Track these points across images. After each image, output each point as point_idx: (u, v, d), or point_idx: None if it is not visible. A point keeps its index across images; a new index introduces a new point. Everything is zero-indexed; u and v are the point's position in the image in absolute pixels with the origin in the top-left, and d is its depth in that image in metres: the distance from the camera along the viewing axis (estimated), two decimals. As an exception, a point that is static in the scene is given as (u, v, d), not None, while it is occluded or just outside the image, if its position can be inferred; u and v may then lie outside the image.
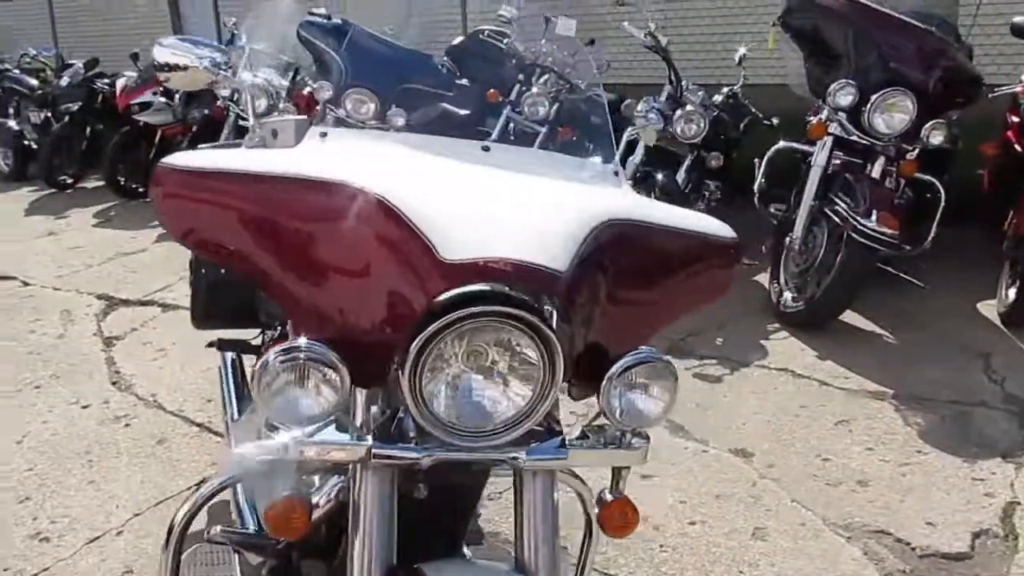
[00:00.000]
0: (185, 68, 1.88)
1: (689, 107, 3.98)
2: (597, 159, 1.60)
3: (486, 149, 1.48)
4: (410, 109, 4.04)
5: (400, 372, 1.07)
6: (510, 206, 1.27)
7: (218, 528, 1.48)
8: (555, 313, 1.11)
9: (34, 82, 7.48)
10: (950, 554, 2.23)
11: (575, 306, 1.19)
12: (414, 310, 1.11)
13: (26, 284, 4.68)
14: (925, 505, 2.43)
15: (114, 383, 3.35)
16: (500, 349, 1.15)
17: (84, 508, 2.50)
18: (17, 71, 7.81)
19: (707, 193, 4.57)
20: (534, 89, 4.58)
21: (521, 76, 4.72)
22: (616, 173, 1.55)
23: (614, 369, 1.21)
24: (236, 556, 1.63)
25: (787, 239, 3.69)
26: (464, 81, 2.10)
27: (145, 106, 6.23)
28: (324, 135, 1.45)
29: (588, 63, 4.86)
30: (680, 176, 4.09)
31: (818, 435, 2.82)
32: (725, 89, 4.49)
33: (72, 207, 6.57)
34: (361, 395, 1.31)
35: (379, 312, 1.16)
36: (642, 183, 4.03)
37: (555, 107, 4.68)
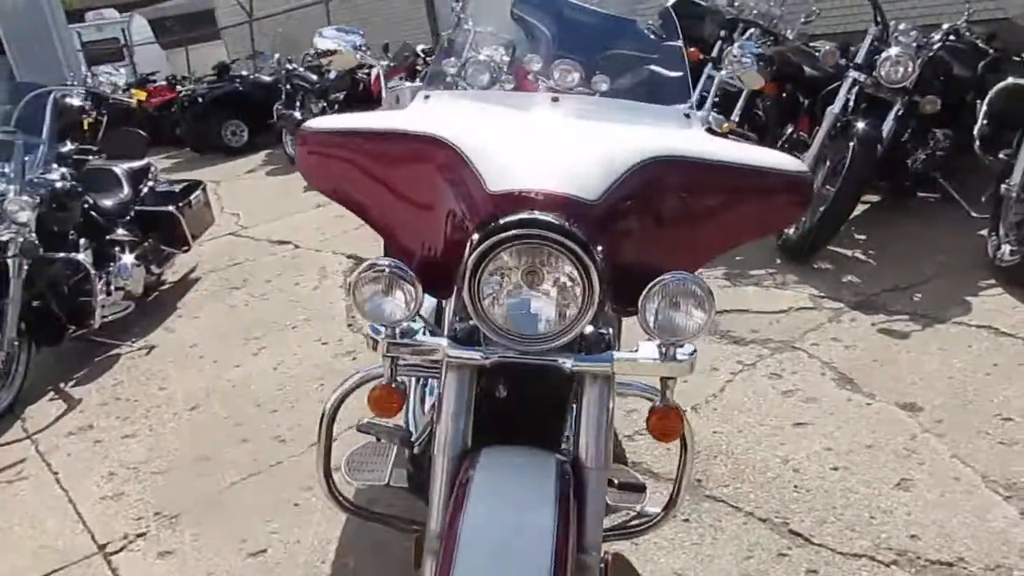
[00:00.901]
0: (334, 52, 2.25)
1: (895, 49, 3.73)
2: (676, 105, 1.73)
3: (555, 100, 1.68)
4: (613, 75, 4.33)
5: (460, 285, 1.34)
6: (558, 147, 1.47)
7: (364, 419, 1.85)
8: (586, 236, 1.30)
9: (314, 77, 8.68)
10: None
11: (607, 231, 1.37)
12: (467, 233, 1.37)
13: (296, 247, 5.56)
14: (1115, 473, 2.22)
15: (349, 325, 3.96)
16: (548, 269, 1.37)
17: (313, 421, 3.07)
18: (302, 69, 9.08)
19: (932, 142, 4.23)
20: (735, 46, 4.53)
21: (723, 33, 4.68)
22: (687, 115, 1.67)
23: (649, 287, 1.36)
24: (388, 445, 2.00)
25: (1004, 186, 3.37)
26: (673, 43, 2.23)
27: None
28: (427, 97, 1.74)
29: (794, 14, 4.71)
30: (887, 124, 3.84)
31: (1006, 395, 2.63)
32: (945, 26, 4.10)
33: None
34: (449, 310, 1.59)
35: (444, 234, 1.45)
36: (842, 133, 3.87)
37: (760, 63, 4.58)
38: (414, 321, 1.46)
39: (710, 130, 1.94)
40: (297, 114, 8.62)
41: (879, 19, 3.97)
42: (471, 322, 1.44)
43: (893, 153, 4.05)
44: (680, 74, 1.92)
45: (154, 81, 12.95)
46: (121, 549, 2.44)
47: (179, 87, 11.70)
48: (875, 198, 4.65)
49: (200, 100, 10.00)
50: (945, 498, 2.19)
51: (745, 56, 2.07)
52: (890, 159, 4.05)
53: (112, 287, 4.02)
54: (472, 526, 1.21)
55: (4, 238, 3.36)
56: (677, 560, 2.09)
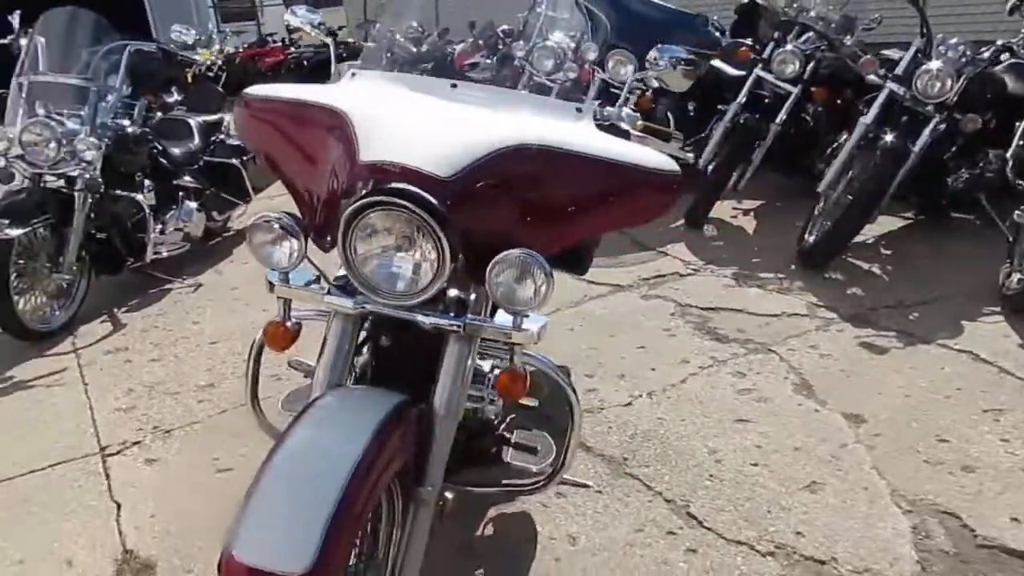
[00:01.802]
0: (299, 29, 2.47)
1: (936, 63, 3.64)
2: (571, 102, 1.86)
3: (454, 86, 1.84)
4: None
5: (337, 241, 1.55)
6: (434, 127, 1.65)
7: (294, 358, 2.09)
8: (436, 208, 1.48)
9: (413, 48, 9.06)
10: (1016, 551, 2.04)
11: (461, 206, 1.54)
12: (339, 196, 1.58)
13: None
14: (1024, 502, 2.22)
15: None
16: (415, 237, 1.56)
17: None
18: (401, 40, 9.46)
19: (981, 162, 4.11)
20: (787, 47, 4.50)
21: (776, 34, 4.66)
22: (579, 110, 1.81)
23: (494, 260, 1.53)
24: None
25: (1017, 213, 3.28)
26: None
27: (474, 66, 7.22)
28: (353, 75, 1.95)
29: (854, 19, 4.62)
30: (921, 140, 3.76)
31: (954, 418, 2.63)
32: (999, 43, 3.96)
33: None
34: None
35: (329, 194, 1.66)
36: (871, 145, 3.83)
37: (810, 66, 4.55)
38: (300, 270, 1.69)
39: (612, 127, 2.03)
40: (639, 73, 8.98)
41: (924, 31, 3.88)
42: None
43: (930, 169, 3.97)
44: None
45: (273, 42, 13.67)
46: (117, 453, 2.80)
47: (292, 49, 12.33)
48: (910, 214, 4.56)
49: (304, 64, 10.54)
50: (845, 504, 2.25)
51: (661, 59, 2.16)
52: (926, 175, 3.98)
53: (171, 228, 4.44)
54: (283, 447, 1.41)
55: (72, 173, 3.79)
56: (575, 525, 2.25)
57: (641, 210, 1.81)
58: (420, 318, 1.63)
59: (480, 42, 7.88)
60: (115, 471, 2.70)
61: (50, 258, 3.83)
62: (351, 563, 1.53)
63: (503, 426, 2.23)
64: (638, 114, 2.10)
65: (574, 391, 2.00)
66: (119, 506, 2.47)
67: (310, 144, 1.74)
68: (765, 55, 4.59)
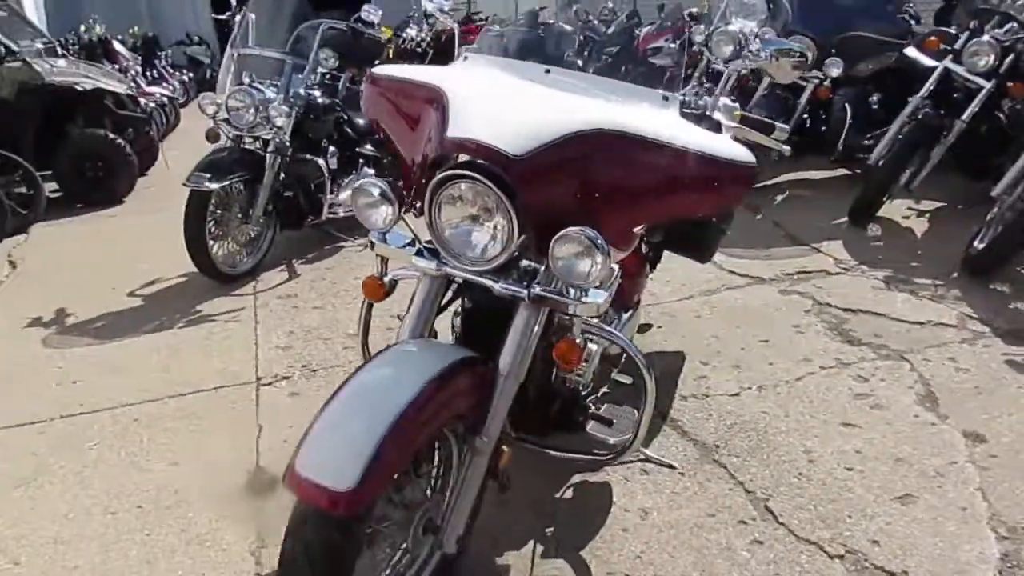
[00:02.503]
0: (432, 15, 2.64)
1: (985, 37, 3.30)
2: (656, 89, 1.91)
3: (548, 71, 1.95)
4: (851, 58, 4.57)
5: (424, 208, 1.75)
6: (518, 109, 1.77)
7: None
8: (503, 182, 1.63)
9: (603, 29, 9.15)
10: None
11: (531, 183, 1.67)
12: (428, 167, 1.76)
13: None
14: None
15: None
16: (484, 206, 1.71)
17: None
18: (596, 21, 9.56)
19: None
20: (983, 37, 4.15)
21: (973, 24, 4.30)
22: (666, 98, 1.87)
23: (556, 236, 1.66)
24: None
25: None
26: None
27: (656, 51, 7.19)
28: (465, 58, 2.11)
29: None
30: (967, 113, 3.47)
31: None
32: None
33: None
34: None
35: (419, 165, 1.84)
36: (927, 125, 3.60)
37: (1009, 59, 4.17)
38: (398, 232, 1.90)
39: (703, 117, 2.03)
40: (579, 61, 9.10)
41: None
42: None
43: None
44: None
45: (480, 19, 14.21)
46: (269, 384, 3.19)
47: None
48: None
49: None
50: (936, 520, 2.16)
51: (763, 51, 2.13)
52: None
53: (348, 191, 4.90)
54: (352, 380, 1.62)
55: (266, 137, 4.29)
56: (651, 500, 2.32)
57: (711, 199, 1.85)
58: (491, 283, 1.78)
59: (668, 24, 7.82)
60: (264, 399, 3.09)
61: (242, 211, 4.35)
62: (404, 495, 1.72)
63: (591, 398, 2.34)
64: (736, 104, 2.10)
65: (649, 371, 2.08)
66: (260, 428, 2.84)
67: (413, 118, 1.94)
68: (957, 46, 4.25)
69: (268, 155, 4.29)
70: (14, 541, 2.29)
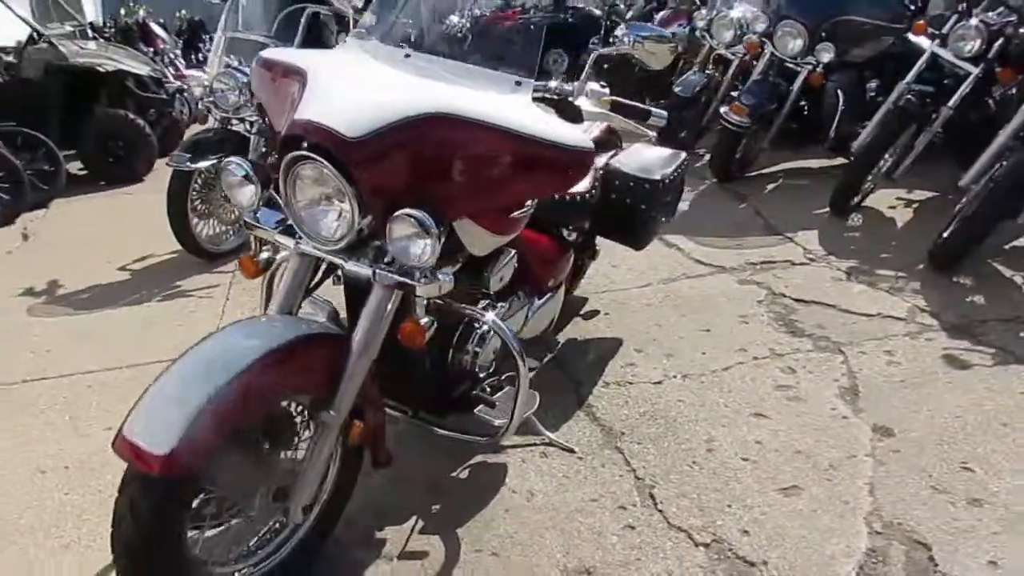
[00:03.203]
0: None
1: (972, 21, 3.16)
2: (511, 75, 1.91)
3: (407, 56, 1.97)
4: (844, 43, 4.54)
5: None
6: (364, 92, 1.81)
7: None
8: (338, 162, 1.67)
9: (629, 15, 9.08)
10: None
11: (362, 164, 1.70)
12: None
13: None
14: None
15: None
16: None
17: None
18: (623, 6, 9.47)
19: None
20: (972, 20, 4.00)
21: (961, 6, 4.15)
22: (519, 83, 1.88)
23: (391, 217, 1.71)
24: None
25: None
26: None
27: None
28: (345, 42, 2.15)
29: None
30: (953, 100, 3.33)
31: (996, 447, 2.37)
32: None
33: (615, 119, 7.94)
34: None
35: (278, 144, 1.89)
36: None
37: (998, 43, 4.01)
38: (265, 211, 1.97)
39: (563, 102, 2.02)
40: (600, 49, 9.03)
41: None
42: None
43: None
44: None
45: (515, 5, 14.17)
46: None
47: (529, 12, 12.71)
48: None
49: (530, 27, 10.87)
50: (813, 514, 2.15)
51: (627, 36, 2.11)
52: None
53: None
54: (193, 349, 1.69)
55: (251, 118, 4.40)
56: (541, 483, 2.36)
57: (547, 183, 1.87)
58: (340, 262, 1.84)
59: (683, 8, 7.71)
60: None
61: (226, 190, 4.49)
62: (245, 461, 1.80)
63: (490, 380, 2.38)
64: (606, 90, 2.09)
65: (522, 356, 2.12)
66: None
67: (281, 99, 1.99)
68: (944, 30, 4.10)
69: (252, 136, 4.40)
70: (-59, 495, 2.46)
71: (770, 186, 5.17)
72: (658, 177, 2.89)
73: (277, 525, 1.99)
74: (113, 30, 9.59)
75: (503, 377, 2.47)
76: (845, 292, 3.47)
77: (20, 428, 2.81)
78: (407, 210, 1.69)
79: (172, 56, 9.97)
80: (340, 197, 1.76)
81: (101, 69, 6.61)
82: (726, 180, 5.25)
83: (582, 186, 2.65)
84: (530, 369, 2.58)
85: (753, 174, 5.39)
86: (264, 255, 2.07)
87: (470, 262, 2.18)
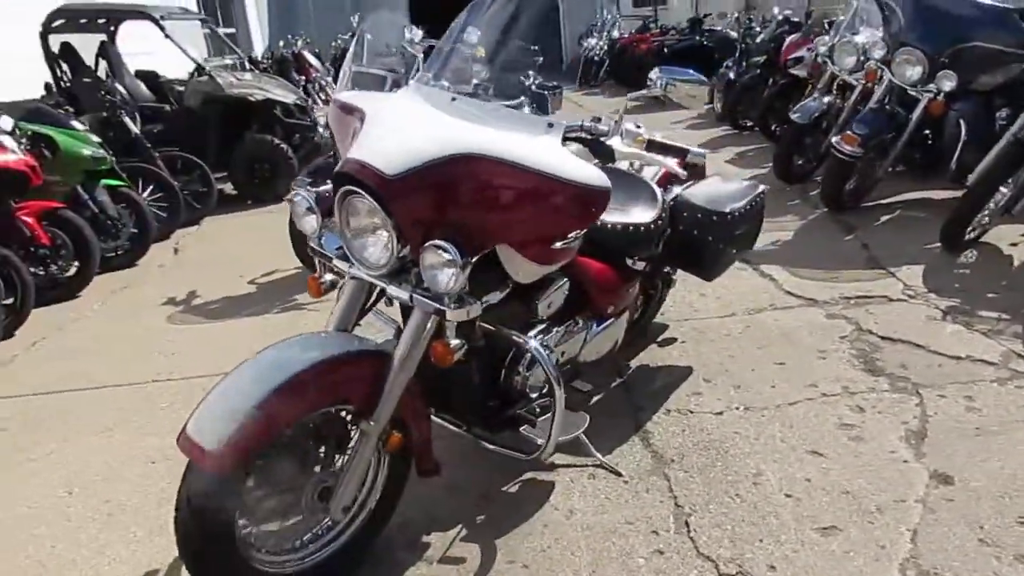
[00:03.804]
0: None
1: None
2: (544, 117, 2.04)
3: (453, 99, 2.13)
4: (968, 71, 4.62)
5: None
6: (407, 133, 2.00)
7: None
8: (381, 198, 1.88)
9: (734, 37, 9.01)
10: None
11: (399, 199, 1.89)
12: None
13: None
14: None
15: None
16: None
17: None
18: (757, 28, 9.36)
19: None
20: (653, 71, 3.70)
21: None
22: (551, 125, 2.00)
23: (423, 247, 1.89)
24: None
25: None
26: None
27: (798, 60, 6.95)
28: (402, 87, 2.35)
29: None
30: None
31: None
32: None
33: (743, 144, 7.82)
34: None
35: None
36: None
37: None
38: (322, 238, 2.20)
39: (595, 142, 2.10)
40: (731, 74, 8.96)
41: None
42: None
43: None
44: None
45: (657, 28, 14.24)
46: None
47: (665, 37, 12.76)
48: None
49: (665, 50, 10.90)
50: (847, 556, 2.11)
51: (659, 80, 2.17)
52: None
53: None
54: (254, 358, 1.94)
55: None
56: (582, 502, 2.45)
57: (564, 219, 1.98)
58: (384, 286, 2.04)
59: (815, 31, 7.54)
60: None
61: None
62: (293, 462, 2.01)
63: (541, 401, 2.51)
64: (641, 129, 2.16)
65: (558, 382, 2.23)
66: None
67: (345, 136, 2.22)
68: None
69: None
70: (76, 474, 2.86)
71: (885, 217, 4.97)
72: (727, 210, 2.92)
73: (329, 523, 2.20)
74: (270, 61, 10.46)
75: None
76: (937, 332, 3.33)
77: (143, 422, 3.20)
78: (436, 241, 1.86)
79: (323, 83, 10.72)
80: (382, 228, 1.96)
81: (251, 98, 7.27)
82: (838, 210, 5.10)
83: (646, 217, 2.74)
84: (587, 392, 2.69)
85: (870, 204, 5.20)
86: (328, 277, 2.31)
87: (521, 288, 2.33)
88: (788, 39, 7.37)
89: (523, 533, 2.35)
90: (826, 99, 5.71)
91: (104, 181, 5.68)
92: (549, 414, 2.48)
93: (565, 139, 2.13)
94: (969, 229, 4.16)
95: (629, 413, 2.94)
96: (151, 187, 6.35)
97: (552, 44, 18.37)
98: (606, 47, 14.37)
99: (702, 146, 7.86)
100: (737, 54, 9.26)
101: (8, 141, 4.93)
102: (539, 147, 1.97)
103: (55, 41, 7.25)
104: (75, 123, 5.60)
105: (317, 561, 2.18)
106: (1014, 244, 4.26)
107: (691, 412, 2.91)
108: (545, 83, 9.38)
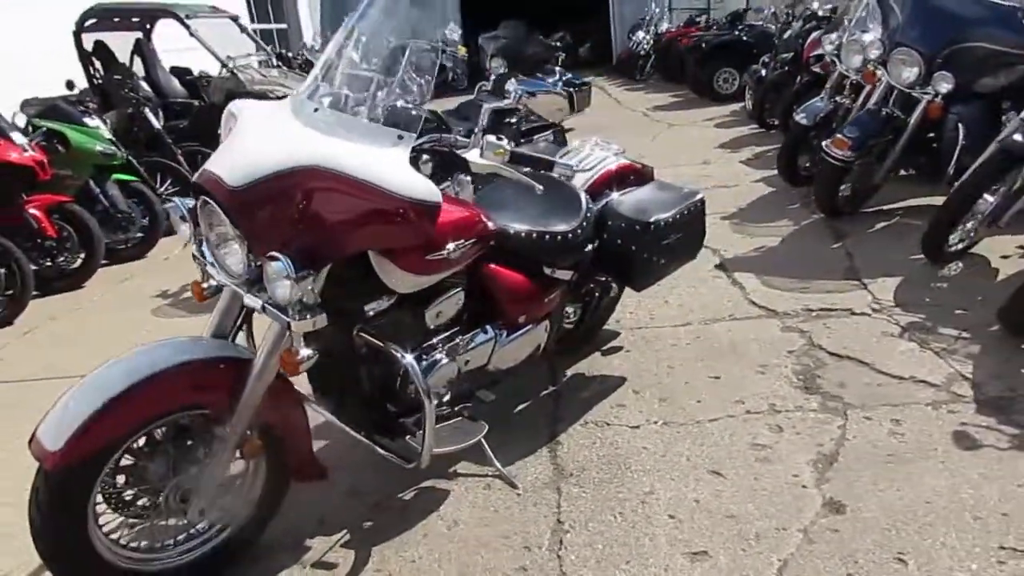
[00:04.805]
0: None
1: None
2: (395, 130, 2.01)
3: (316, 110, 2.13)
4: (966, 72, 4.50)
5: None
6: (261, 145, 2.02)
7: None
8: (225, 208, 1.91)
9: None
10: None
11: (243, 209, 1.93)
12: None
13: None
14: None
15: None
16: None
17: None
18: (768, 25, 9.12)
19: None
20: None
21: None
22: (400, 137, 1.99)
23: (265, 259, 1.91)
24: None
25: None
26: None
27: (819, 58, 6.69)
28: (285, 96, 2.36)
29: None
30: None
31: (949, 541, 2.08)
32: None
33: (766, 143, 7.59)
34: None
35: None
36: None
37: None
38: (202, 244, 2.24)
39: (451, 154, 2.06)
40: (763, 71, 8.71)
41: None
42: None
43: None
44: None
45: (704, 23, 13.94)
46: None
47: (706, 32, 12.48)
48: None
49: (703, 45, 10.67)
50: (706, 583, 2.04)
51: (514, 92, 2.12)
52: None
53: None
54: (110, 363, 1.99)
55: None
56: (469, 512, 2.45)
57: (398, 232, 1.96)
58: (243, 293, 2.07)
59: (837, 28, 7.31)
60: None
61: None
62: (149, 466, 2.06)
63: (443, 410, 2.50)
64: (503, 141, 2.11)
65: (429, 395, 2.22)
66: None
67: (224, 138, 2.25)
68: None
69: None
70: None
71: (881, 224, 4.76)
72: (651, 219, 2.85)
73: (205, 524, 2.24)
74: (301, 60, 10.65)
75: (457, 407, 2.59)
76: (889, 349, 3.17)
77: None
78: (272, 253, 1.88)
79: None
80: (232, 238, 1.99)
81: (271, 95, 7.42)
82: (833, 216, 4.91)
83: (564, 226, 2.70)
84: (490, 402, 2.67)
85: (871, 210, 4.99)
86: (212, 282, 2.35)
87: (414, 297, 2.33)
88: (812, 36, 7.11)
89: (401, 542, 2.35)
90: (837, 99, 5.51)
91: (116, 176, 5.90)
92: (454, 422, 2.50)
93: (420, 151, 2.12)
94: (955, 239, 3.95)
95: (548, 423, 2.91)
96: (169, 181, 6.57)
97: (601, 38, 18.18)
98: (652, 41, 14.15)
99: (723, 145, 7.79)
100: (774, 50, 9.00)
101: (19, 137, 5.17)
102: (380, 159, 1.96)
103: (88, 40, 7.54)
104: (87, 120, 5.82)
105: (191, 560, 2.23)
106: (1006, 256, 4.02)
107: (608, 424, 2.85)
108: (573, 79, 9.60)
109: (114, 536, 2.10)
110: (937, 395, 2.81)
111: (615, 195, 3.04)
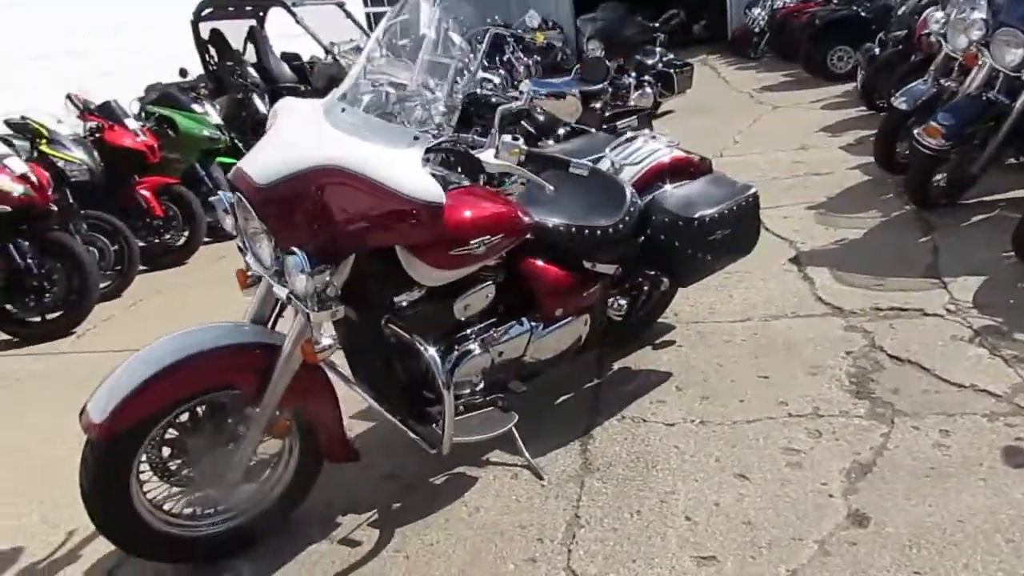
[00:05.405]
0: None
1: None
2: (410, 130, 2.07)
3: (343, 111, 2.21)
4: None
5: None
6: (289, 144, 2.13)
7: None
8: (253, 204, 2.05)
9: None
10: None
11: (276, 207, 2.05)
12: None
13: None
14: None
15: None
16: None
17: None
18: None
19: None
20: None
21: None
22: (416, 137, 2.05)
23: (283, 252, 2.04)
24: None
25: None
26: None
27: (928, 35, 6.28)
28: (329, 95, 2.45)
29: None
30: None
31: (975, 562, 1.97)
32: None
33: (872, 127, 7.18)
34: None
35: None
36: None
37: None
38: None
39: (466, 155, 2.08)
40: (876, 49, 8.24)
41: None
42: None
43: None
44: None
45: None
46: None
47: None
48: None
49: (817, 21, 10.19)
50: (706, 588, 2.02)
51: (526, 93, 2.12)
52: None
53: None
54: (154, 343, 2.18)
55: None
56: (492, 500, 2.52)
57: (404, 229, 2.02)
58: (272, 283, 2.20)
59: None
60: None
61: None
62: (188, 439, 2.24)
63: (473, 400, 2.58)
64: (519, 141, 2.12)
65: (448, 388, 2.30)
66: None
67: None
68: None
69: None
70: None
71: (977, 217, 4.45)
72: (696, 215, 2.81)
73: (239, 498, 2.42)
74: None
75: (489, 397, 2.65)
76: (955, 355, 2.99)
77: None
78: (292, 248, 1.99)
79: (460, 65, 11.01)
80: (261, 232, 2.12)
81: (371, 80, 7.65)
82: (925, 207, 4.63)
83: (605, 220, 2.71)
84: (521, 393, 2.71)
85: (970, 201, 4.66)
86: (252, 272, 2.49)
87: (444, 290, 2.41)
88: (927, 11, 6.64)
89: (424, 524, 2.45)
90: (942, 82, 5.16)
91: (221, 159, 6.27)
92: (478, 413, 2.57)
93: (435, 151, 2.17)
94: (1053, 237, 3.66)
95: (585, 416, 2.93)
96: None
97: (717, 15, 17.59)
98: (768, 17, 13.58)
99: (826, 128, 7.45)
100: (890, 25, 8.48)
101: (132, 124, 5.59)
102: (394, 160, 2.03)
103: (205, 28, 8.00)
104: (195, 106, 6.21)
105: (228, 528, 2.41)
106: (1113, 256, 3.69)
107: (644, 421, 2.85)
108: (674, 60, 9.43)
109: (158, 503, 2.30)
110: (996, 406, 2.64)
111: (667, 188, 3.01)
